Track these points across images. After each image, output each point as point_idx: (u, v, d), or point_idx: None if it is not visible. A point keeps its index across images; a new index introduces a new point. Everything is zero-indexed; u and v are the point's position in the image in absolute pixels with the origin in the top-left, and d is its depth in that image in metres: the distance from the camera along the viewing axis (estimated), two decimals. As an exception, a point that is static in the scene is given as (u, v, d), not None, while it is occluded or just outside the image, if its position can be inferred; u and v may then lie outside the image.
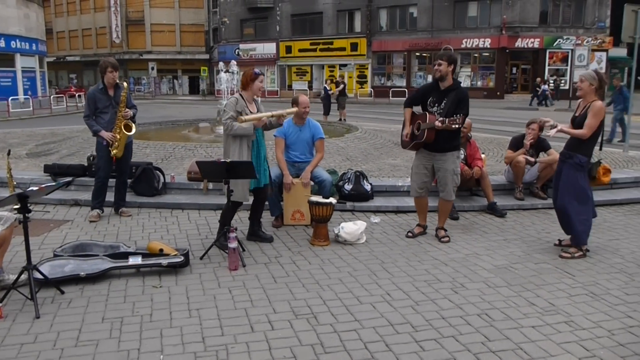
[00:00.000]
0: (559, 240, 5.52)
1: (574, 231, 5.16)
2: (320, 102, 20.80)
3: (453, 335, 3.58)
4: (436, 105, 5.37)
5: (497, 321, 3.79)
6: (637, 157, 9.98)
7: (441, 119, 5.18)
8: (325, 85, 21.38)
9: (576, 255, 5.12)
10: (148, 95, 48.82)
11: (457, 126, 5.12)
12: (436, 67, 5.32)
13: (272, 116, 5.30)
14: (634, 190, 7.82)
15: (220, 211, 5.57)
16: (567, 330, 3.66)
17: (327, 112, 19.68)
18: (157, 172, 7.22)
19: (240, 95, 5.35)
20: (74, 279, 4.39)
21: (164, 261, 4.65)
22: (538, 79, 32.14)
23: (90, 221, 6.22)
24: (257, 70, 5.35)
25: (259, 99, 5.53)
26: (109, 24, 52.76)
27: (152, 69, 50.15)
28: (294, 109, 5.85)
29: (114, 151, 6.17)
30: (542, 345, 3.45)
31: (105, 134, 6.14)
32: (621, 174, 8.22)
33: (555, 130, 4.98)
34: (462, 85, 5.63)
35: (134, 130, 6.26)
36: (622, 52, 37.80)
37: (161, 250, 4.77)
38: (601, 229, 6.11)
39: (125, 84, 6.24)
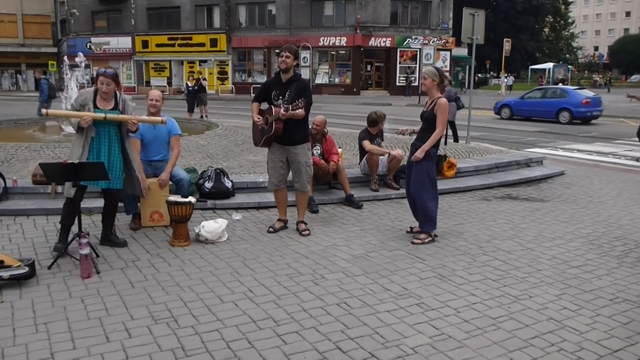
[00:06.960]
0: (410, 227, 5.90)
1: (424, 218, 5.54)
2: (184, 99, 20.28)
3: (314, 326, 3.67)
4: (280, 97, 5.52)
5: (355, 308, 3.95)
6: (477, 148, 10.97)
7: (285, 106, 5.35)
8: (188, 82, 20.83)
9: (426, 240, 5.50)
10: (-15, 91, 44.24)
11: (300, 110, 5.32)
12: (283, 58, 5.46)
13: (105, 118, 4.84)
14: (475, 178, 8.58)
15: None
16: (419, 312, 3.92)
17: (191, 109, 19.21)
18: (-4, 176, 6.56)
19: (96, 90, 5.03)
20: None
21: (5, 274, 4.23)
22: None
23: None
24: (101, 69, 4.98)
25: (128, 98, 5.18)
26: None
27: (-10, 62, 45.46)
28: (153, 118, 5.37)
29: None
30: (396, 328, 3.66)
31: None
32: (464, 163, 8.97)
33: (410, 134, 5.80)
34: (303, 77, 5.87)
35: None
36: (463, 51, 41.33)
37: (2, 262, 4.33)
38: (447, 215, 6.63)
39: None
